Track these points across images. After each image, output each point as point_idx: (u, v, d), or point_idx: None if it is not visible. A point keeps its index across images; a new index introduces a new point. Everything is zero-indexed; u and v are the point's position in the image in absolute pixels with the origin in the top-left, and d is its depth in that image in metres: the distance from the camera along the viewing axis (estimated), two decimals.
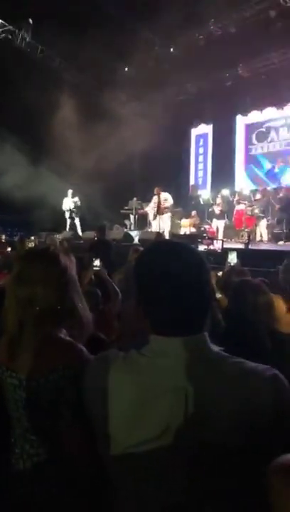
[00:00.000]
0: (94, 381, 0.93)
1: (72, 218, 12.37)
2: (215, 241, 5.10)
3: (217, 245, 4.87)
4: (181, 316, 0.88)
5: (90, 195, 12.91)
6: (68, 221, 12.38)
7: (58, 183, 12.09)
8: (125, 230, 11.74)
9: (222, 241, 6.02)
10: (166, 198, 10.63)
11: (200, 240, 5.36)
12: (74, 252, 3.76)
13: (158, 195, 10.58)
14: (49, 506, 1.15)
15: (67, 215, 12.33)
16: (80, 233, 11.93)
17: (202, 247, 3.84)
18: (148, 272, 0.91)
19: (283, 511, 0.61)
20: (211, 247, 4.55)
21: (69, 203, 12.21)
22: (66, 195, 12.22)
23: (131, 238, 8.44)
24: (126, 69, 12.69)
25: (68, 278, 1.28)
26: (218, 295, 2.47)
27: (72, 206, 12.18)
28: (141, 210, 12.18)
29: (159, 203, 10.52)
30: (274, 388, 0.84)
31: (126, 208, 13.72)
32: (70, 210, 12.23)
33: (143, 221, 12.61)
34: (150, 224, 11.46)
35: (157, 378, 0.86)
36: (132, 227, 12.65)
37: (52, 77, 12.40)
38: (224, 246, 5.03)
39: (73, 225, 12.36)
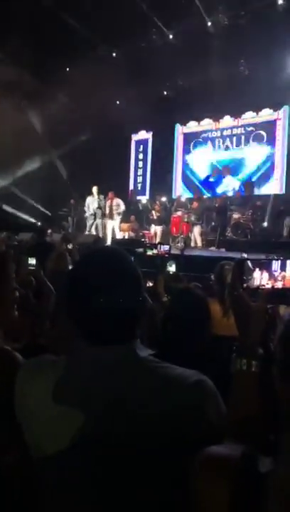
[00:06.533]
0: (19, 387, 0.94)
1: (94, 219, 11.20)
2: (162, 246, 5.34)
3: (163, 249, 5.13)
4: (109, 326, 0.89)
5: (26, 195, 12.53)
6: (90, 222, 11.28)
7: None
8: (63, 231, 11.57)
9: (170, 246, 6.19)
10: (118, 204, 11.12)
11: (157, 245, 5.53)
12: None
13: (111, 200, 11.18)
14: None
15: (90, 215, 11.22)
16: (100, 235, 10.95)
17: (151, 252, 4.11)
18: (78, 283, 0.92)
19: (202, 494, 0.71)
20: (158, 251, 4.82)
21: (94, 201, 11.09)
22: (90, 193, 11.15)
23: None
24: (68, 69, 12.53)
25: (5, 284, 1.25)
26: (165, 298, 2.55)
27: (95, 206, 11.06)
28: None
29: (111, 207, 11.08)
30: (199, 393, 0.87)
31: (65, 209, 13.48)
32: (94, 211, 11.09)
33: (81, 223, 12.51)
34: (91, 226, 11.45)
35: (82, 385, 0.86)
36: (70, 230, 12.49)
37: None
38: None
39: (95, 226, 11.25)
